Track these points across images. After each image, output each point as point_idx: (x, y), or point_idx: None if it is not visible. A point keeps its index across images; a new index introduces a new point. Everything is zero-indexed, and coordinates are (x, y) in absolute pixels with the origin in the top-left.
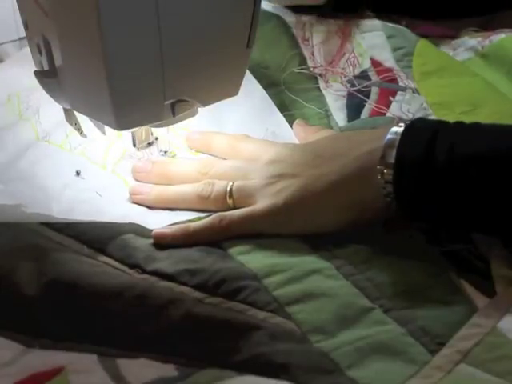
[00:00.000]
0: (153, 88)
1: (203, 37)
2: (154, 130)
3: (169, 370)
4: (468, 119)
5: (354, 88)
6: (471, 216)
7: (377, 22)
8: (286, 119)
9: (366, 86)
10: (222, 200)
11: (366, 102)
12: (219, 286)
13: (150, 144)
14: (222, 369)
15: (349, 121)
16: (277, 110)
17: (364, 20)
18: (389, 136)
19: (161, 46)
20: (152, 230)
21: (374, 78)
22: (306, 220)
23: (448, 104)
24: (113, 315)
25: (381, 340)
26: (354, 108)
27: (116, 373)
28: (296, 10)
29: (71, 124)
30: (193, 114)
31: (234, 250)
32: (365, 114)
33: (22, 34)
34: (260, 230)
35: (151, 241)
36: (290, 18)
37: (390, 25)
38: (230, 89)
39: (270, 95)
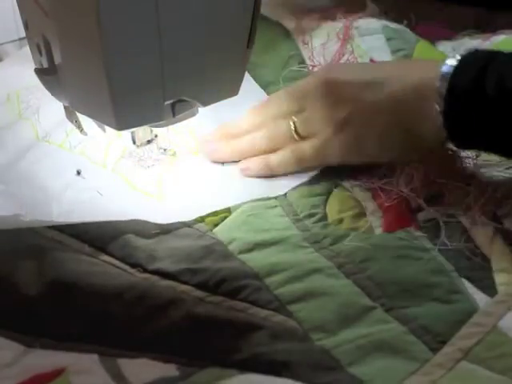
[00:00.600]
0: (153, 88)
1: (203, 37)
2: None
3: (170, 370)
4: None
5: None
6: None
7: (377, 24)
8: None
9: None
10: (289, 137)
11: None
12: (220, 284)
13: (149, 141)
14: (223, 368)
15: None
16: None
17: (364, 20)
18: (443, 67)
19: (161, 45)
20: (156, 225)
21: None
22: (373, 145)
23: None
24: (113, 315)
25: (382, 338)
26: None
27: (117, 373)
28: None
29: (71, 121)
30: (193, 114)
31: (235, 249)
32: None
33: (22, 34)
34: (331, 163)
35: (152, 240)
36: (289, 23)
37: (391, 26)
38: (230, 89)
39: (268, 94)
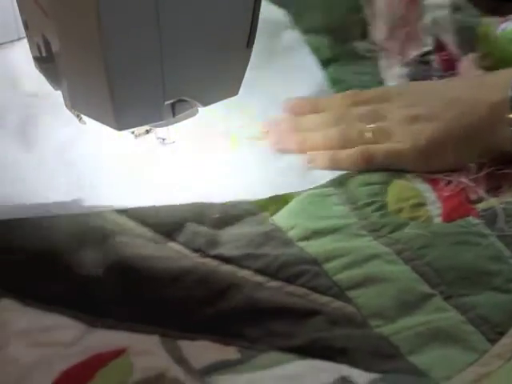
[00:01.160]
0: (153, 88)
1: (203, 37)
2: None
3: (230, 353)
4: None
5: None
6: None
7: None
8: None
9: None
10: (363, 138)
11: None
12: (280, 270)
13: (147, 131)
14: (283, 352)
15: None
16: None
17: None
18: None
19: (161, 45)
20: (216, 210)
21: (435, 64)
22: (444, 159)
23: None
24: (174, 298)
25: (441, 327)
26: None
27: (178, 355)
28: None
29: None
30: (193, 114)
31: (293, 236)
32: None
33: (22, 34)
34: (400, 167)
35: (213, 226)
36: None
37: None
38: (230, 89)
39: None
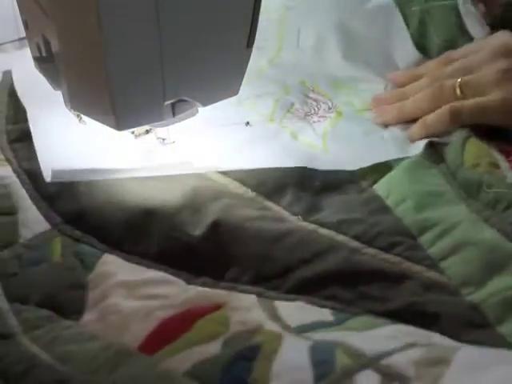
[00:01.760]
0: (153, 88)
1: (203, 37)
2: None
3: (325, 315)
4: None
5: None
6: None
7: None
8: None
9: None
10: (453, 97)
11: None
12: (376, 238)
13: (147, 131)
14: (376, 316)
15: None
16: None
17: None
18: None
19: (161, 46)
20: (317, 177)
21: None
22: None
23: None
24: (271, 259)
25: None
26: None
27: (274, 313)
28: None
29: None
30: (193, 114)
31: (392, 203)
32: None
33: (22, 34)
34: (489, 121)
35: (314, 192)
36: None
37: None
38: (230, 89)
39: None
